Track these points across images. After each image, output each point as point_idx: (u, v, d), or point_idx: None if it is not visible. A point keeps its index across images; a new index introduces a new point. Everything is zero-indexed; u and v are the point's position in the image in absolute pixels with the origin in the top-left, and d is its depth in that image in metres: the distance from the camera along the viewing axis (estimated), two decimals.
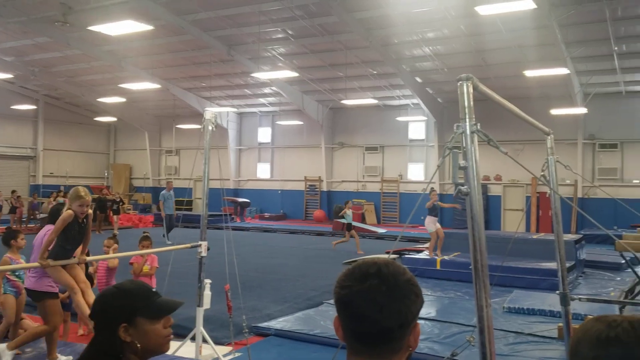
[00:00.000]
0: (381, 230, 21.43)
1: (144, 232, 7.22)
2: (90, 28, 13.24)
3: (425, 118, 24.58)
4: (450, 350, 5.86)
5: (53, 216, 5.53)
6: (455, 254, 12.21)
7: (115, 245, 7.00)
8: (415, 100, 23.84)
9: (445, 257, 11.89)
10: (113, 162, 34.26)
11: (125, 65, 22.57)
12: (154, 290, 1.84)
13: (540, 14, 14.38)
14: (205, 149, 6.27)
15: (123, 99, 25.45)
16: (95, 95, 26.37)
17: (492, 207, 23.65)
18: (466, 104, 2.83)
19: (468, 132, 2.79)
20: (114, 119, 29.85)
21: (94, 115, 30.15)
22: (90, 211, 5.22)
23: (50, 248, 5.08)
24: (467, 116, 2.81)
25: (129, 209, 27.67)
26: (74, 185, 5.43)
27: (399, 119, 24.95)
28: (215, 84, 24.63)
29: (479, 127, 2.80)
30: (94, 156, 33.11)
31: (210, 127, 6.20)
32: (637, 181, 21.50)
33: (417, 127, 25.92)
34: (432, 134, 24.65)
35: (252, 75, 21.23)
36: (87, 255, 5.53)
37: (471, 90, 2.88)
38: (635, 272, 8.99)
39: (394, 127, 25.85)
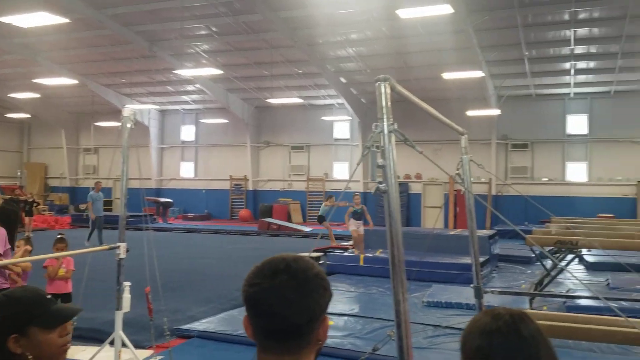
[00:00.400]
0: (307, 229, 21.59)
1: (59, 234, 6.91)
2: (0, 19, 12.47)
3: (349, 118, 24.98)
4: (372, 345, 5.99)
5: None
6: (379, 251, 12.49)
7: (28, 247, 6.64)
8: (340, 100, 24.16)
9: (369, 254, 12.14)
10: (27, 160, 32.47)
11: (39, 60, 21.45)
12: (48, 297, 1.72)
13: (458, 18, 14.97)
14: (124, 147, 6.08)
15: (37, 95, 24.18)
16: (7, 90, 24.85)
17: (412, 205, 24.37)
18: (384, 104, 2.92)
19: (386, 131, 2.88)
20: (27, 115, 28.28)
21: (6, 111, 28.44)
22: None
23: None
24: (384, 116, 2.90)
25: (44, 210, 26.32)
26: None
27: (324, 118, 25.21)
28: (136, 80, 23.90)
29: (396, 126, 2.90)
30: (6, 155, 31.22)
31: (129, 125, 6.02)
32: (546, 179, 22.83)
33: (342, 126, 26.30)
34: (357, 133, 25.08)
35: (175, 72, 20.77)
36: None
37: (389, 90, 2.97)
38: (543, 266, 9.57)
39: (319, 127, 26.09)
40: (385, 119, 2.90)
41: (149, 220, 14.26)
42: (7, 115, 28.48)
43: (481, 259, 10.14)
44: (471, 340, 1.32)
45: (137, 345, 6.25)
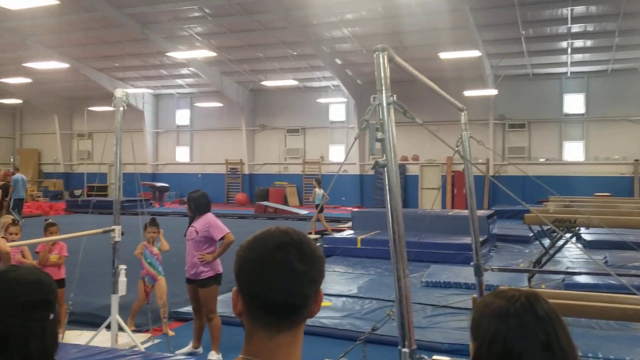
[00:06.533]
0: (303, 212, 21.54)
1: (46, 219, 6.82)
2: None
3: (345, 100, 24.80)
4: (371, 325, 5.95)
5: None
6: (376, 231, 12.43)
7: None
8: (335, 82, 23.97)
9: (367, 236, 12.09)
10: (19, 147, 32.22)
11: (30, 44, 21.15)
12: None
13: None
14: (117, 129, 5.98)
15: (29, 80, 23.85)
16: None
17: (410, 186, 24.31)
18: (382, 75, 2.82)
19: (384, 103, 2.78)
20: (19, 101, 27.96)
21: None
22: None
23: None
24: (383, 87, 2.80)
25: (39, 196, 26.18)
26: None
27: (320, 100, 25.02)
28: (128, 64, 23.61)
29: (395, 98, 2.80)
30: None
31: (121, 107, 5.92)
32: (543, 159, 22.78)
33: (338, 108, 26.11)
34: (352, 115, 24.93)
35: (168, 54, 20.51)
36: None
37: (387, 61, 2.87)
38: (542, 244, 9.56)
39: (315, 109, 25.91)
40: (383, 91, 2.81)
41: (145, 205, 14.15)
42: None
43: (480, 239, 10.12)
44: (485, 324, 1.30)
45: (134, 329, 6.21)
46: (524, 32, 18.01)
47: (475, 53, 17.47)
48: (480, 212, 12.23)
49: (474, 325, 1.34)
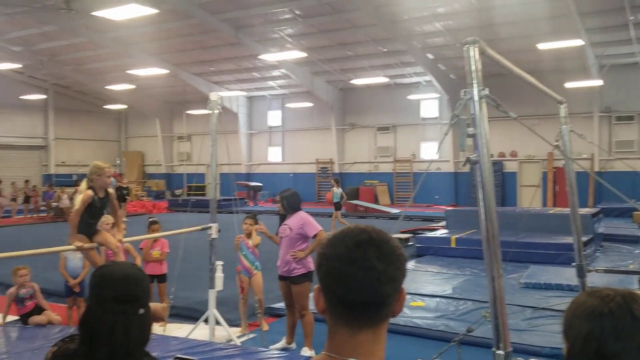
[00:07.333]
0: (395, 211, 21.34)
1: (150, 218, 7.20)
2: (94, 13, 13.13)
3: (437, 95, 24.26)
4: (466, 326, 5.77)
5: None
6: (472, 231, 12.05)
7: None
8: (427, 78, 23.52)
9: (462, 235, 11.76)
10: (125, 149, 34.36)
11: (132, 52, 22.47)
12: None
13: None
14: (212, 130, 6.20)
15: (132, 86, 25.41)
16: (104, 82, 26.33)
17: (508, 184, 23.41)
18: (473, 68, 2.72)
19: (476, 97, 2.68)
20: (124, 106, 29.85)
21: (104, 103, 30.17)
22: (111, 190, 5.03)
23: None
24: (474, 81, 2.69)
25: (142, 196, 27.79)
26: (85, 175, 5.15)
27: (411, 97, 24.65)
28: (223, 68, 24.48)
29: (487, 92, 2.69)
30: (106, 144, 33.21)
31: (216, 110, 6.13)
32: None
33: (430, 105, 25.60)
34: (445, 111, 24.32)
35: (260, 57, 21.04)
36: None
37: (477, 54, 2.76)
38: None
39: (405, 106, 25.57)
40: (475, 84, 2.70)
41: (240, 204, 14.65)
42: (105, 106, 30.15)
43: (584, 238, 9.54)
44: (578, 325, 1.25)
45: (230, 323, 6.39)
46: (632, 17, 16.75)
47: (577, 42, 16.51)
48: (585, 210, 11.53)
49: (566, 326, 1.30)
